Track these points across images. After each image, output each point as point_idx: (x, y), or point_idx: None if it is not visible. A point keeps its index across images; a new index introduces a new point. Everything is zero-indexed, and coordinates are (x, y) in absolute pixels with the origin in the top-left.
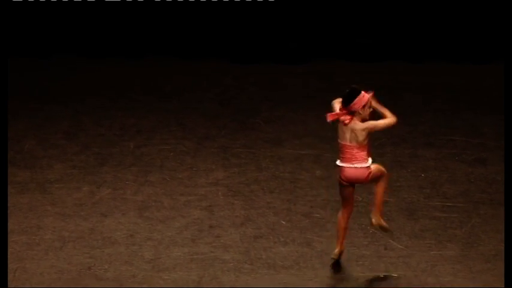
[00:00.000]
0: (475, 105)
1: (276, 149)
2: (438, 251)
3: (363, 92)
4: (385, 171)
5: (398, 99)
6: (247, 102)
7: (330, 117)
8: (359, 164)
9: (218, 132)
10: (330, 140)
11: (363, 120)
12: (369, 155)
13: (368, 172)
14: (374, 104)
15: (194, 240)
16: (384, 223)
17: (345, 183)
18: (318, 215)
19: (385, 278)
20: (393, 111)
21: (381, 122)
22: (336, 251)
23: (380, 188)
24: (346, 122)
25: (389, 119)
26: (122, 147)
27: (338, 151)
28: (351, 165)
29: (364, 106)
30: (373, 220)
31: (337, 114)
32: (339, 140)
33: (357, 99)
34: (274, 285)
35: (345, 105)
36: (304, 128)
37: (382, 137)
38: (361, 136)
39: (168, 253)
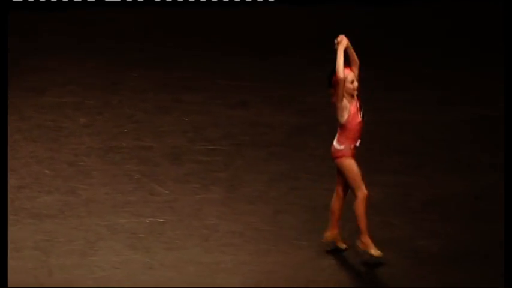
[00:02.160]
0: (231, 47)
1: (38, 97)
2: (203, 195)
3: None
4: (363, 191)
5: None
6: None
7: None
8: (335, 142)
9: None
10: (90, 87)
11: (352, 96)
12: (351, 141)
13: (336, 155)
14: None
15: None
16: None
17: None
18: (82, 163)
19: None
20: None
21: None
22: (328, 233)
23: (357, 211)
24: (332, 100)
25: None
26: None
27: None
28: (333, 141)
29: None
30: (360, 246)
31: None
32: None
33: (333, 77)
34: (38, 235)
35: (329, 85)
36: (64, 76)
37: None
38: (338, 114)
39: None
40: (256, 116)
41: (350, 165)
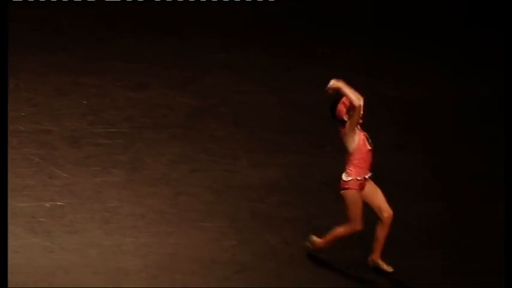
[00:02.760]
0: (129, 28)
1: None
2: (103, 178)
3: (342, 100)
4: (356, 227)
5: None
6: None
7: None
8: (344, 174)
9: None
10: None
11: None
12: (359, 172)
13: (343, 186)
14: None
15: None
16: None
17: None
18: None
19: None
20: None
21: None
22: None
23: (337, 234)
24: (342, 130)
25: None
26: None
27: None
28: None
29: (346, 112)
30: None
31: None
32: None
33: (337, 108)
34: None
35: (332, 117)
36: None
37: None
38: (346, 143)
39: None
40: (156, 98)
41: (354, 198)
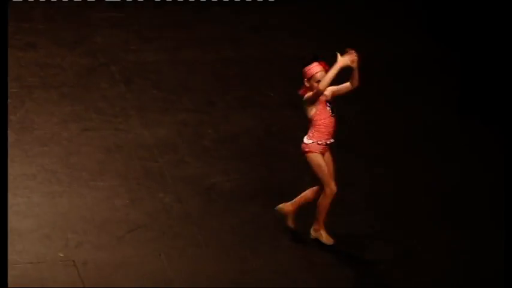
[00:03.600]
0: None
1: None
2: None
3: (314, 63)
4: (331, 188)
5: None
6: None
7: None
8: (305, 137)
9: None
10: None
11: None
12: (320, 137)
13: (304, 149)
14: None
15: None
16: (322, 236)
17: None
18: None
19: None
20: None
21: (319, 88)
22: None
23: (321, 204)
24: (300, 93)
25: (333, 87)
26: None
27: None
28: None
29: (309, 78)
30: (312, 233)
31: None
32: None
33: (305, 69)
34: None
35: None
36: None
37: None
38: (306, 109)
39: None
40: (46, 57)
41: (316, 161)
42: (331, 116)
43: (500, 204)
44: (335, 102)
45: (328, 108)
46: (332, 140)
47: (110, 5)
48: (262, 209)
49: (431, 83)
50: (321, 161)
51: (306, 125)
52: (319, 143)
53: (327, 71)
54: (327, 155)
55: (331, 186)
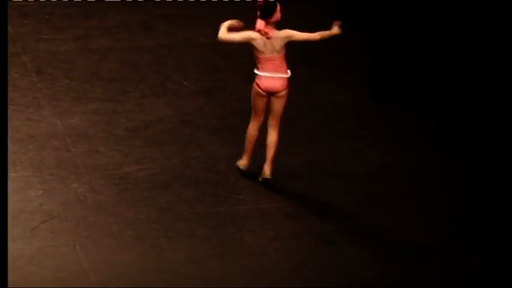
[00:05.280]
0: None
1: None
2: None
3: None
4: (255, 122)
5: None
6: None
7: (258, 30)
8: (282, 74)
9: None
10: None
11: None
12: (260, 69)
13: (288, 83)
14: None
15: None
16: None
17: (262, 93)
18: None
19: None
20: None
21: (299, 33)
22: (246, 162)
23: (276, 139)
24: (270, 34)
25: (310, 34)
26: None
27: (257, 63)
28: (274, 75)
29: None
30: (267, 172)
31: (263, 27)
32: (257, 54)
33: (276, 10)
34: None
35: (265, 17)
36: None
37: None
38: (281, 46)
39: None
40: None
41: (252, 91)
42: (268, 54)
43: (418, 184)
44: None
45: (265, 45)
46: (278, 75)
47: None
48: (177, 198)
49: (344, 69)
50: (255, 95)
51: (219, 113)
52: (261, 74)
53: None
54: (278, 97)
55: (257, 117)
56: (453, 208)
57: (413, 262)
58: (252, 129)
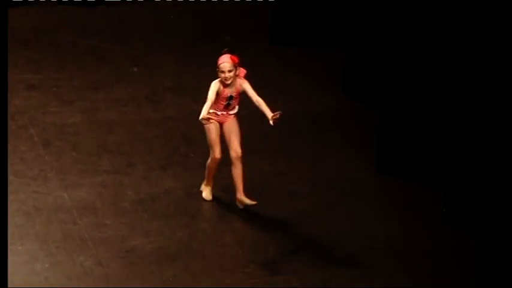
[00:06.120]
0: None
1: None
2: None
3: (225, 54)
4: (216, 155)
5: None
6: None
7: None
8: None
9: None
10: None
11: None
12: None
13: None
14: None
15: None
16: (247, 200)
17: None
18: None
19: None
20: None
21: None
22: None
23: (235, 172)
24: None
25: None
26: None
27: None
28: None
29: (217, 67)
30: (242, 199)
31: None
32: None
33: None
34: None
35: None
36: None
37: None
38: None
39: None
40: None
41: (207, 126)
42: (224, 105)
43: (425, 258)
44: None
45: (225, 99)
46: (227, 112)
47: (26, 68)
48: (184, 271)
49: (351, 141)
50: (210, 127)
51: (228, 185)
52: (210, 111)
53: (235, 64)
54: (228, 124)
55: (215, 152)
56: (461, 283)
57: None
58: (215, 162)
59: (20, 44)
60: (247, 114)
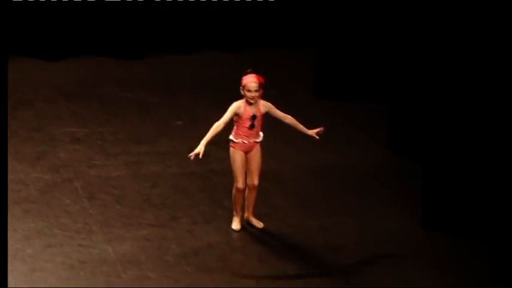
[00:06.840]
0: None
1: None
2: None
3: (250, 74)
4: (237, 184)
5: None
6: None
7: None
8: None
9: None
10: None
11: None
12: (236, 136)
13: (230, 144)
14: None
15: None
16: (254, 221)
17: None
18: None
19: None
20: None
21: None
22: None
23: (249, 196)
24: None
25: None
26: None
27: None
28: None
29: (243, 87)
30: (250, 219)
31: None
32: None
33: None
34: None
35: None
36: None
37: None
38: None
39: None
40: (9, 173)
41: (233, 156)
42: (248, 127)
43: None
44: (263, 117)
45: (249, 119)
46: (253, 140)
47: (71, 121)
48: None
49: (396, 196)
50: (236, 157)
51: (269, 241)
52: (236, 140)
53: (260, 84)
54: (253, 154)
55: (239, 182)
56: None
57: None
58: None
59: (64, 97)
60: (291, 169)
